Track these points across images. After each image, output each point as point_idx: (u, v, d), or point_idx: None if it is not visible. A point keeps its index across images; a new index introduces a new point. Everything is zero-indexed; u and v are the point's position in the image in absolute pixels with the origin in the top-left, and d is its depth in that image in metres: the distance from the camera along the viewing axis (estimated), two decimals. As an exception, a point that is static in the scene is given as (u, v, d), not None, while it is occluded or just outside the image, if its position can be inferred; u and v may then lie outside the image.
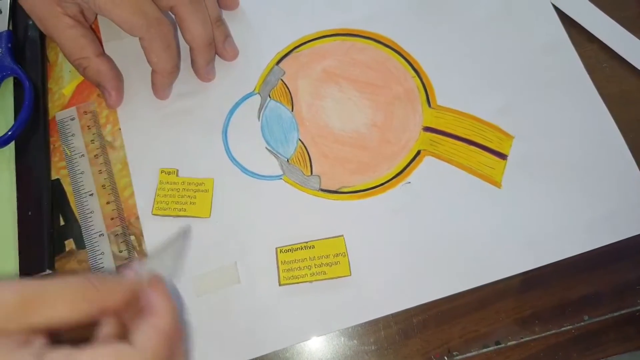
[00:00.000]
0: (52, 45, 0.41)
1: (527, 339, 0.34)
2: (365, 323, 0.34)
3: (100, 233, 0.36)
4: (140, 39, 0.35)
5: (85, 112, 0.39)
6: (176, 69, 0.37)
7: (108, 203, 0.36)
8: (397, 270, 0.34)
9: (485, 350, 0.33)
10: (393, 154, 0.37)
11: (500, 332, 0.34)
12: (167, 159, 0.37)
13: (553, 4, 0.41)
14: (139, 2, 0.34)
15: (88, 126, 0.38)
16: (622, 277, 0.35)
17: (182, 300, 0.33)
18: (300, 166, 0.37)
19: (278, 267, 0.34)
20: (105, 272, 0.26)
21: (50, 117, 0.39)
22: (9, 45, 0.39)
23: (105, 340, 0.25)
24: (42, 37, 0.41)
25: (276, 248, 0.35)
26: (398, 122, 0.38)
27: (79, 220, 0.36)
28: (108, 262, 0.35)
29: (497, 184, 0.36)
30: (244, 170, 0.37)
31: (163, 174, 0.36)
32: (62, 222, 0.36)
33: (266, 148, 0.38)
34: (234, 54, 0.40)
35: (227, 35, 0.39)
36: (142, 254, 0.35)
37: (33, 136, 0.38)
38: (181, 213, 0.35)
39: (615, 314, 0.34)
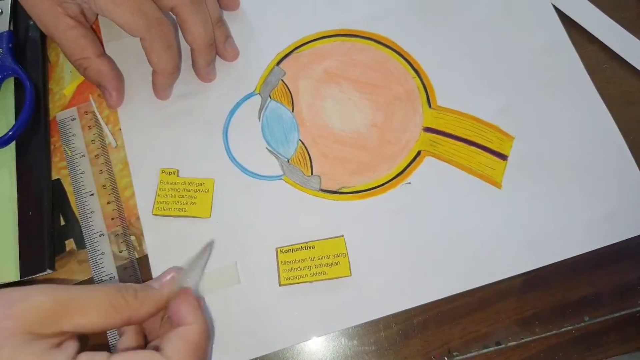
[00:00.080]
0: (52, 46, 0.41)
1: (528, 339, 0.34)
2: (366, 323, 0.34)
3: (100, 233, 0.36)
4: (141, 39, 0.35)
5: (86, 112, 0.39)
6: (177, 69, 0.37)
7: (108, 203, 0.36)
8: (397, 270, 0.34)
9: (485, 350, 0.33)
10: (393, 154, 0.37)
11: (500, 332, 0.34)
12: (168, 159, 0.37)
13: (553, 5, 0.41)
14: (139, 2, 0.34)
15: (89, 126, 0.38)
16: (623, 278, 0.35)
17: (210, 312, 0.33)
18: (300, 166, 0.37)
19: (278, 267, 0.34)
20: (135, 284, 0.27)
21: (51, 117, 0.39)
22: (10, 45, 0.39)
23: (137, 348, 0.27)
24: (43, 37, 0.41)
25: (276, 248, 0.35)
26: (398, 123, 0.38)
27: (79, 220, 0.36)
28: (108, 262, 0.35)
29: (497, 185, 0.36)
30: (245, 170, 0.37)
31: (163, 174, 0.36)
32: (62, 222, 0.36)
33: (266, 148, 0.38)
34: (235, 55, 0.40)
35: (228, 36, 0.39)
36: (143, 254, 0.35)
37: (34, 136, 0.38)
38: (181, 213, 0.35)
39: (616, 314, 0.34)
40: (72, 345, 0.24)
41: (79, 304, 0.24)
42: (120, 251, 0.35)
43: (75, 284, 0.35)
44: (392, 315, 0.34)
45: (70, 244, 0.36)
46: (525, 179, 0.36)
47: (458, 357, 0.33)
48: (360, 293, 0.34)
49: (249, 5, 0.42)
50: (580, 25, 0.41)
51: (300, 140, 0.38)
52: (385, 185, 0.36)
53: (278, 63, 0.40)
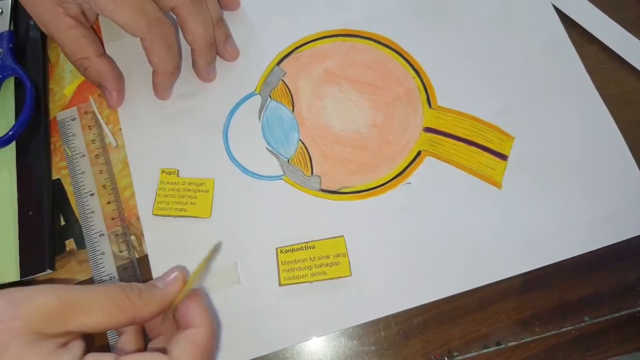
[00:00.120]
0: (53, 46, 0.41)
1: (528, 339, 0.34)
2: (366, 323, 0.34)
3: (100, 233, 0.36)
4: (141, 39, 0.35)
5: (86, 112, 0.39)
6: (177, 69, 0.37)
7: (109, 203, 0.36)
8: (397, 270, 0.34)
9: (485, 350, 0.33)
10: (393, 154, 0.37)
11: (500, 332, 0.34)
12: (168, 159, 0.37)
13: (553, 5, 0.41)
14: (140, 2, 0.34)
15: (89, 126, 0.38)
16: (623, 278, 0.35)
17: (217, 314, 0.33)
18: (300, 166, 0.37)
19: (278, 268, 0.34)
20: (139, 284, 0.27)
21: (51, 117, 0.39)
22: (11, 45, 0.39)
23: (142, 350, 0.27)
24: (44, 37, 0.41)
25: (276, 248, 0.35)
26: (398, 123, 0.38)
27: (79, 220, 0.36)
28: (108, 262, 0.35)
29: (497, 185, 0.36)
30: (245, 170, 0.37)
31: (164, 174, 0.37)
32: (62, 222, 0.36)
33: (267, 148, 0.38)
34: (235, 55, 0.40)
35: (228, 36, 0.39)
36: (143, 254, 0.35)
37: (34, 136, 0.38)
38: (182, 213, 0.35)
39: (616, 314, 0.34)
40: (78, 345, 0.24)
41: (84, 304, 0.24)
42: (121, 251, 0.35)
43: (76, 284, 0.35)
44: (392, 315, 0.34)
45: (70, 244, 0.36)
46: (525, 179, 0.36)
47: (458, 357, 0.33)
48: (361, 293, 0.34)
49: (249, 5, 0.42)
50: (580, 25, 0.41)
51: (301, 140, 0.38)
52: (386, 185, 0.36)
53: (278, 63, 0.40)
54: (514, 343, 0.33)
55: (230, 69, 0.40)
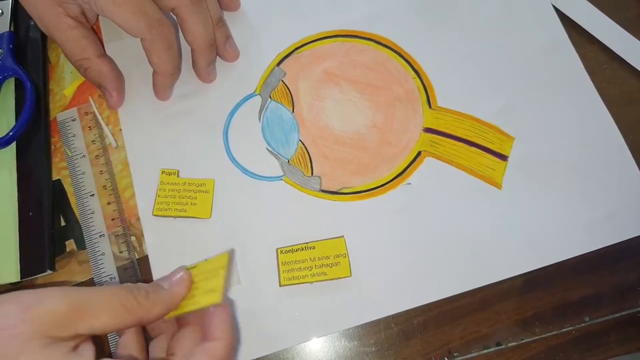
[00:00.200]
0: (53, 47, 0.41)
1: (528, 340, 0.34)
2: (366, 324, 0.34)
3: (100, 234, 0.36)
4: (141, 40, 0.35)
5: (87, 113, 0.39)
6: (177, 70, 0.37)
7: (109, 204, 0.36)
8: (397, 271, 0.34)
9: (486, 351, 0.33)
10: (393, 155, 0.37)
11: (501, 333, 0.34)
12: (168, 160, 0.37)
13: (553, 5, 0.41)
14: (140, 2, 0.34)
15: (89, 127, 0.38)
16: (623, 278, 0.35)
17: (238, 328, 0.33)
18: (300, 167, 0.37)
19: (278, 268, 0.34)
20: (145, 284, 0.27)
21: (51, 118, 0.39)
22: (11, 46, 0.39)
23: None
24: (44, 38, 0.41)
25: (277, 249, 0.35)
26: (398, 123, 0.38)
27: (79, 220, 0.36)
28: (109, 263, 0.35)
29: (497, 185, 0.36)
30: (245, 171, 0.37)
31: (164, 174, 0.36)
32: (62, 223, 0.36)
33: (267, 149, 0.38)
34: (235, 55, 0.40)
35: (228, 37, 0.39)
36: (143, 254, 0.35)
37: (34, 137, 0.38)
38: (182, 214, 0.35)
39: (616, 315, 0.34)
40: (88, 348, 0.24)
41: (92, 306, 0.24)
42: (121, 252, 0.35)
43: (76, 284, 0.35)
44: (392, 315, 0.34)
45: (70, 244, 0.36)
46: (526, 179, 0.36)
47: (458, 358, 0.33)
48: (361, 293, 0.34)
49: (249, 6, 0.42)
50: (580, 26, 0.41)
51: (301, 141, 0.38)
52: (386, 185, 0.36)
53: (278, 64, 0.40)
54: (514, 343, 0.33)
55: (230, 70, 0.40)
